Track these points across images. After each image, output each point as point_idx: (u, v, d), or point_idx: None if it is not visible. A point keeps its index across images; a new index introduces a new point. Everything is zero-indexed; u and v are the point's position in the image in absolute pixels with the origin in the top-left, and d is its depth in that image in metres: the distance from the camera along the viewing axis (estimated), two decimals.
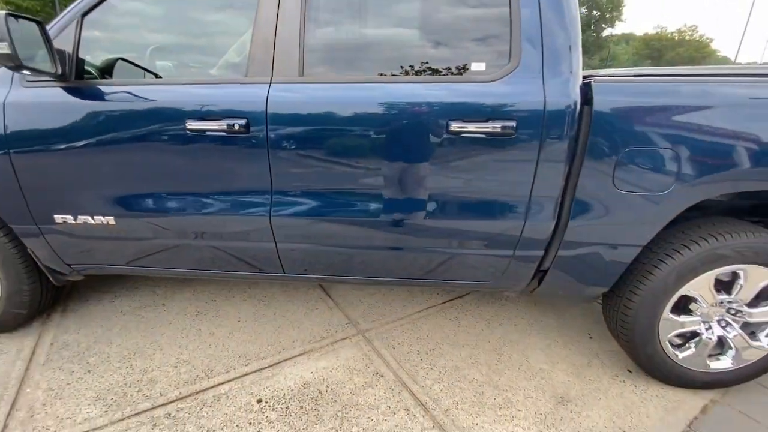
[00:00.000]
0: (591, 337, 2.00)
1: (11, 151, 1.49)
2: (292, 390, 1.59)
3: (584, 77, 1.36)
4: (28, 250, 1.69)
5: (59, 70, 1.38)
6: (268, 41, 1.42)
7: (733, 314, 1.57)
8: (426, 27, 1.48)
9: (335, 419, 1.46)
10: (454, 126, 1.33)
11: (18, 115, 1.48)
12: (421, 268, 1.64)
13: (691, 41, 47.37)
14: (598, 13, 47.37)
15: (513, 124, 1.30)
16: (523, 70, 1.31)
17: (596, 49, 50.16)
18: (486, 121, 1.32)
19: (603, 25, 48.83)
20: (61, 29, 1.45)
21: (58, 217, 1.59)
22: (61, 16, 1.47)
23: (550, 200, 1.40)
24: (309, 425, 1.43)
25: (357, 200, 1.50)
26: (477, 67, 1.36)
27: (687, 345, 1.62)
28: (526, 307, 2.26)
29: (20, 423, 1.42)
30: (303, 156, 1.45)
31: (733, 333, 1.57)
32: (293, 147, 1.43)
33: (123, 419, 1.44)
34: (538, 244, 1.49)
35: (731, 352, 1.60)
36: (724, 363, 1.61)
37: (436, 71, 1.42)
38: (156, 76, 1.70)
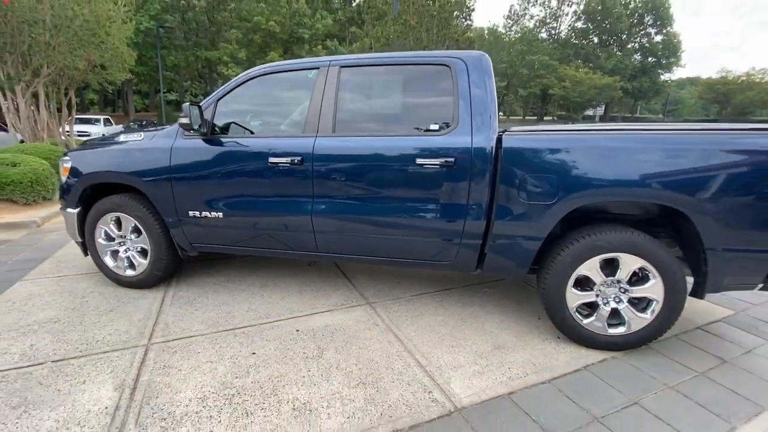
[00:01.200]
0: (539, 318, 2.67)
1: (172, 175, 2.64)
2: (318, 327, 2.47)
3: (500, 131, 2.23)
4: (170, 233, 2.80)
5: (205, 130, 2.52)
6: (317, 112, 2.47)
7: (623, 292, 2.22)
8: (407, 104, 2.47)
9: (343, 341, 2.31)
10: (420, 161, 2.25)
11: (178, 155, 2.63)
12: (405, 252, 2.50)
13: (762, 83, 44.62)
14: (654, 60, 46.69)
15: (453, 159, 2.19)
16: (458, 129, 2.22)
17: (653, 95, 48.91)
18: (438, 158, 2.22)
19: (660, 71, 47.87)
20: (206, 107, 2.62)
21: (191, 213, 2.69)
22: (207, 100, 2.65)
23: (480, 206, 2.23)
24: (327, 342, 2.29)
25: (363, 206, 2.43)
26: (433, 127, 2.29)
27: (590, 314, 2.28)
28: (496, 299, 2.97)
29: (161, 329, 2.43)
30: (333, 179, 2.42)
31: (622, 306, 2.22)
32: (328, 173, 2.42)
33: (217, 332, 2.40)
34: (476, 236, 2.30)
35: (626, 322, 2.23)
36: (619, 329, 2.24)
37: (411, 130, 2.37)
38: (251, 132, 2.81)
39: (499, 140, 2.18)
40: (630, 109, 57.20)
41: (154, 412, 1.74)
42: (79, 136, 14.46)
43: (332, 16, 30.33)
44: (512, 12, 48.46)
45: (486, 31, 49.69)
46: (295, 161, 2.42)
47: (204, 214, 2.67)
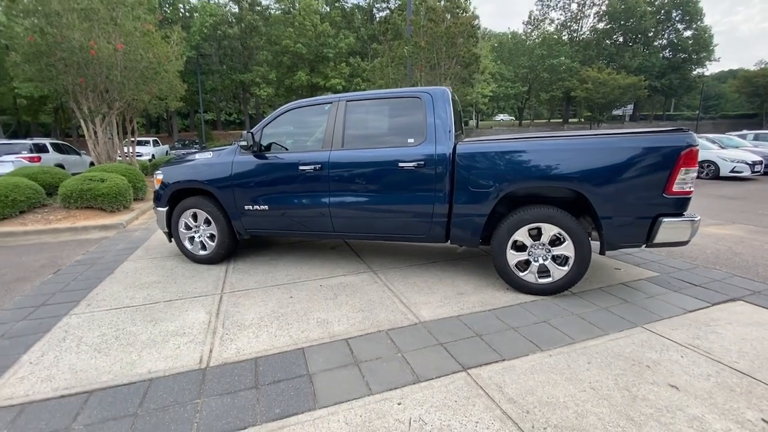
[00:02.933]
0: (497, 278, 3.58)
1: (233, 182, 3.79)
2: (335, 283, 3.51)
3: (456, 142, 3.21)
4: (232, 223, 3.94)
5: (255, 149, 3.66)
6: (331, 133, 3.55)
7: (547, 251, 3.12)
8: (392, 126, 3.50)
9: (351, 290, 3.33)
10: (401, 164, 3.26)
11: (237, 166, 3.78)
12: (394, 230, 3.50)
13: None
14: (684, 55, 45.33)
15: (423, 162, 3.19)
16: (427, 141, 3.22)
17: (684, 91, 47.34)
18: (413, 162, 3.23)
19: (691, 66, 46.33)
20: (256, 132, 3.75)
21: (246, 207, 3.81)
22: (256, 127, 3.78)
23: (444, 194, 3.20)
24: (339, 293, 3.32)
25: (365, 198, 3.46)
26: (410, 141, 3.30)
27: (526, 269, 3.18)
28: (469, 268, 3.90)
29: (228, 286, 3.54)
30: (343, 179, 3.47)
31: (548, 262, 3.11)
32: (340, 176, 3.47)
33: (266, 286, 3.49)
34: (443, 215, 3.27)
35: (551, 273, 3.11)
36: (547, 279, 3.13)
37: (395, 143, 3.39)
38: (286, 149, 3.92)
39: (455, 148, 3.16)
40: (663, 106, 55.48)
41: (232, 323, 2.82)
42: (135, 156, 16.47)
43: (354, 34, 32.03)
44: (531, 18, 48.65)
45: (510, 36, 50.18)
46: (317, 168, 3.50)
47: (255, 207, 3.79)
